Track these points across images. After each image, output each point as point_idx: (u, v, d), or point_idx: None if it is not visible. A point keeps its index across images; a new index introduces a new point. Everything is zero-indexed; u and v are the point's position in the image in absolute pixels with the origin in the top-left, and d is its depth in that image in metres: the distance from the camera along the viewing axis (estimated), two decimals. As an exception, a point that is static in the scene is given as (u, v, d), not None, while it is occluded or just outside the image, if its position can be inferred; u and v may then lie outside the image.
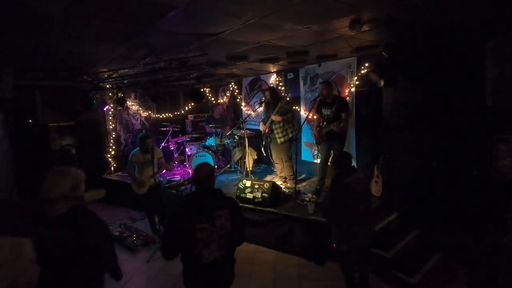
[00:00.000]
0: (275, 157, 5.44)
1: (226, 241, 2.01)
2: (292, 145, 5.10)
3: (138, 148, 4.39)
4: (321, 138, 4.56)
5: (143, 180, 4.39)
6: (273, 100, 4.99)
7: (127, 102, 7.26)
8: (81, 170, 1.80)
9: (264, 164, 6.94)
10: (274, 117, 4.89)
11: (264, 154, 6.42)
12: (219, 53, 4.19)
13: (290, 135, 4.98)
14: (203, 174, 2.06)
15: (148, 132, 4.64)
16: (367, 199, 2.73)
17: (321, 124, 4.56)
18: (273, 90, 5.21)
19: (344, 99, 4.60)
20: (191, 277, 2.04)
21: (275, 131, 5.00)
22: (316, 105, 4.66)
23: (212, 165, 6.21)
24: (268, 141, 5.43)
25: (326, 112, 4.47)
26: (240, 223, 2.14)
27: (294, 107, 5.81)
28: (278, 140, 4.99)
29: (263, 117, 5.45)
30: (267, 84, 6.61)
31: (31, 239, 1.23)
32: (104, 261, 1.74)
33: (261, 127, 5.29)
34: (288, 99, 5.90)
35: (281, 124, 4.93)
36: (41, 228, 1.58)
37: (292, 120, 5.06)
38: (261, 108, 6.66)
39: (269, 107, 5.07)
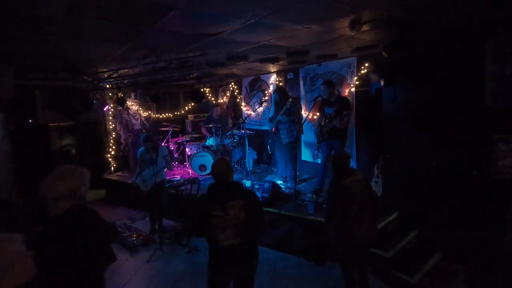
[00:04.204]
0: (279, 156, 5.45)
1: (241, 229, 2.20)
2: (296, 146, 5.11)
3: (143, 147, 4.53)
4: (323, 137, 4.57)
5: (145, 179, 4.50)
6: (282, 100, 5.00)
7: (127, 102, 7.26)
8: (86, 169, 1.80)
9: (264, 164, 6.95)
10: (281, 118, 4.88)
11: (270, 152, 6.43)
12: (219, 53, 4.19)
13: (296, 136, 4.99)
14: (218, 169, 2.30)
15: (150, 133, 4.70)
16: (367, 200, 2.72)
17: (322, 123, 4.56)
18: (283, 91, 5.23)
19: (346, 98, 4.61)
20: (212, 256, 2.31)
21: (280, 131, 5.01)
22: (319, 104, 4.66)
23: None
24: (273, 140, 5.44)
25: (328, 110, 4.48)
26: (257, 213, 2.31)
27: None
28: (283, 141, 5.00)
29: (270, 115, 5.46)
30: (267, 84, 6.61)
31: (23, 235, 1.23)
32: (99, 261, 1.73)
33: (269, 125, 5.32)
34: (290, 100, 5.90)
35: (287, 125, 4.93)
36: (41, 228, 1.57)
37: (299, 122, 5.06)
38: (261, 108, 6.69)
39: (278, 106, 5.08)
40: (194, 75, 5.30)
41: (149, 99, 7.60)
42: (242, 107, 7.40)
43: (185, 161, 6.62)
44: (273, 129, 5.18)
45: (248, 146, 5.76)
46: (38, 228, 1.54)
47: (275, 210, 4.23)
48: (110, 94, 6.85)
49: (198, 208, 2.31)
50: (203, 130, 6.81)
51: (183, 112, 8.39)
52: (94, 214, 1.74)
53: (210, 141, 6.53)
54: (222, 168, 2.30)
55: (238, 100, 7.55)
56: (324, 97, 4.56)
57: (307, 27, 3.09)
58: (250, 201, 2.28)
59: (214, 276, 2.34)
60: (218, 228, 2.18)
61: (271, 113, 5.58)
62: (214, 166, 2.34)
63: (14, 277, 1.13)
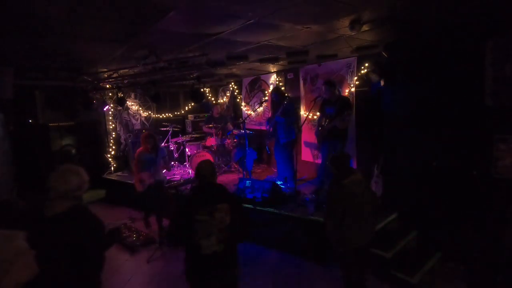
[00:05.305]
0: (277, 156, 5.45)
1: (226, 235, 2.07)
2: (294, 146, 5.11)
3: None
4: (323, 137, 4.57)
5: (143, 178, 4.47)
6: (279, 100, 4.99)
7: (127, 102, 7.26)
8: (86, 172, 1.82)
9: (264, 164, 6.94)
10: (278, 118, 4.89)
11: (268, 152, 6.43)
12: (219, 53, 4.19)
13: (293, 137, 4.98)
14: (204, 170, 2.19)
15: (152, 133, 4.69)
16: (367, 200, 2.72)
17: (323, 123, 4.57)
18: (279, 91, 5.22)
19: (347, 98, 4.61)
20: (191, 265, 2.13)
21: (278, 131, 5.00)
22: (320, 104, 4.67)
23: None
24: (271, 140, 5.44)
25: (329, 110, 4.48)
26: (242, 218, 2.19)
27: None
28: (281, 141, 4.99)
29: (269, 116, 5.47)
30: (267, 84, 6.61)
31: (25, 233, 1.22)
32: (95, 262, 1.73)
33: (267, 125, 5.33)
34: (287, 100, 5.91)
35: (285, 125, 4.93)
36: (38, 227, 1.57)
37: (296, 122, 5.05)
38: (261, 108, 6.68)
39: (276, 107, 5.07)
40: (194, 75, 5.30)
41: (149, 99, 7.60)
42: (242, 107, 7.40)
43: (185, 161, 6.62)
44: (270, 129, 5.18)
45: (248, 146, 5.76)
46: (34, 228, 1.54)
47: (275, 210, 4.23)
48: (110, 94, 6.85)
49: (180, 212, 2.14)
50: (205, 129, 6.80)
51: (183, 112, 8.39)
52: (92, 216, 1.74)
53: (210, 141, 6.53)
54: (208, 169, 2.20)
55: (238, 100, 7.55)
56: (324, 97, 4.56)
57: (307, 27, 3.09)
58: (235, 205, 2.17)
59: (195, 286, 2.18)
60: (201, 234, 2.02)
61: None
62: (199, 167, 2.22)
63: (17, 273, 1.13)
